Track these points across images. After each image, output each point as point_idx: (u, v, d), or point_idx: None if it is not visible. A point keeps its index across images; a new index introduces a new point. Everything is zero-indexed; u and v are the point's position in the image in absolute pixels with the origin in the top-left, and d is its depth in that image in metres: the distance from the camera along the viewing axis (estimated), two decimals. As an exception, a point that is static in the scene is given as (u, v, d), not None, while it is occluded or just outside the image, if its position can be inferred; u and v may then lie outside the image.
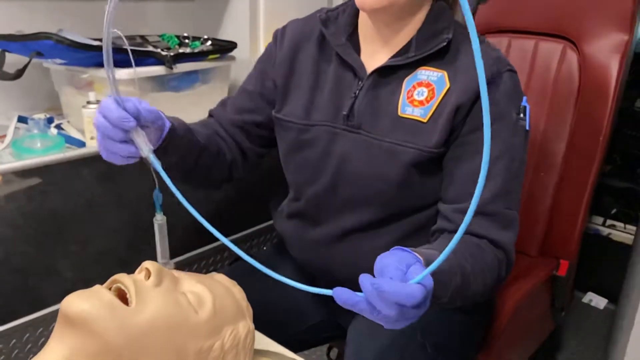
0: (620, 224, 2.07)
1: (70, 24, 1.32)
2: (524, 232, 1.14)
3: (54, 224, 1.15)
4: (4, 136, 1.21)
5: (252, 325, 0.67)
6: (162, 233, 0.76)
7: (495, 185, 0.81)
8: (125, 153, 0.71)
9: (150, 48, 1.38)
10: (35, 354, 0.56)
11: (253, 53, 1.64)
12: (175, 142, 0.81)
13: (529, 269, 1.26)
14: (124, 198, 1.23)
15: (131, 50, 1.28)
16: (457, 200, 0.84)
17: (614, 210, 2.10)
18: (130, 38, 1.47)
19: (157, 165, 0.70)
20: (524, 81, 1.33)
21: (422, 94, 0.84)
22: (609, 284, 2.03)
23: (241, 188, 1.51)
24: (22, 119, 1.27)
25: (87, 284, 0.58)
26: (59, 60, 1.23)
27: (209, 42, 1.50)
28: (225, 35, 1.67)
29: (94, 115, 1.16)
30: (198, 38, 1.52)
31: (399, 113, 0.85)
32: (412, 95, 0.85)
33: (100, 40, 1.23)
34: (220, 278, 0.69)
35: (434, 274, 0.56)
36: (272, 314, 0.98)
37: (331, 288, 0.59)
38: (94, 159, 1.17)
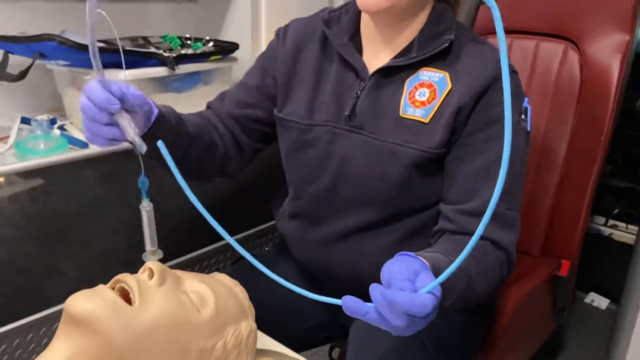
0: (622, 224, 2.07)
1: (73, 26, 1.32)
2: (526, 232, 1.14)
3: (57, 225, 1.15)
4: (7, 137, 1.21)
5: (254, 325, 0.67)
6: (149, 220, 0.75)
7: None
8: (109, 135, 0.70)
9: (153, 49, 1.39)
10: (38, 353, 0.56)
11: (255, 54, 1.64)
12: (164, 129, 0.80)
13: (531, 268, 1.26)
14: (127, 198, 1.23)
15: (133, 51, 1.29)
16: (459, 201, 0.84)
17: (616, 211, 2.10)
18: (132, 39, 1.47)
19: (142, 148, 0.70)
20: (525, 81, 1.33)
21: (424, 95, 0.84)
22: (611, 284, 2.03)
23: (243, 188, 1.51)
24: (25, 120, 1.27)
25: (90, 284, 0.58)
26: (62, 62, 1.24)
27: (211, 43, 1.50)
28: (227, 36, 1.67)
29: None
30: (200, 39, 1.52)
31: (401, 114, 0.85)
32: (413, 96, 0.85)
33: (104, 42, 1.23)
34: (222, 278, 0.69)
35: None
36: (273, 314, 0.98)
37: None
38: (97, 160, 1.17)
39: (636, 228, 2.02)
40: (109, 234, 1.24)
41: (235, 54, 1.51)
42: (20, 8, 1.36)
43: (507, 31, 1.38)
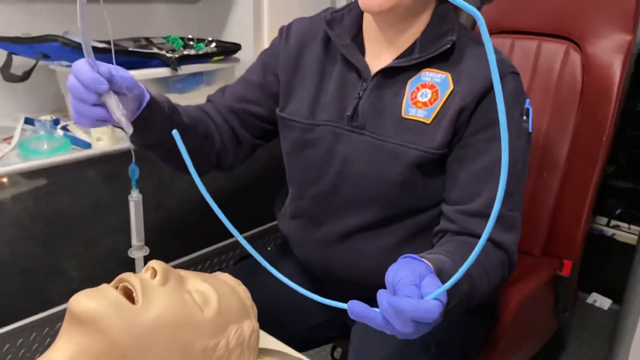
0: (624, 225, 2.07)
1: (76, 27, 1.33)
2: (527, 232, 1.14)
3: (60, 225, 1.16)
4: (11, 137, 1.22)
5: (256, 324, 0.68)
6: (137, 212, 0.72)
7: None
8: (96, 116, 0.69)
9: (155, 50, 1.39)
10: (42, 353, 0.56)
11: (257, 55, 1.65)
12: (156, 116, 0.79)
13: (532, 269, 1.26)
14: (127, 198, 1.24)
15: (136, 52, 1.30)
16: (460, 202, 0.84)
17: (618, 211, 2.10)
18: (135, 40, 1.48)
19: (129, 129, 0.69)
20: (527, 82, 1.33)
21: (426, 96, 0.85)
22: (614, 285, 2.03)
23: (246, 188, 1.51)
24: (28, 121, 1.28)
25: (92, 283, 0.59)
26: (65, 62, 1.24)
27: (213, 44, 1.51)
28: (229, 37, 1.68)
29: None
30: (202, 40, 1.53)
31: (403, 114, 0.86)
32: (415, 97, 0.85)
33: (107, 42, 1.24)
34: (224, 277, 0.70)
35: (444, 282, 0.56)
36: (275, 313, 0.98)
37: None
38: (100, 160, 1.18)
39: (638, 228, 2.02)
40: (112, 234, 1.24)
41: (238, 54, 1.52)
42: (24, 9, 1.37)
43: (509, 31, 1.39)
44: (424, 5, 0.85)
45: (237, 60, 1.52)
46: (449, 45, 0.84)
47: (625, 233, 2.06)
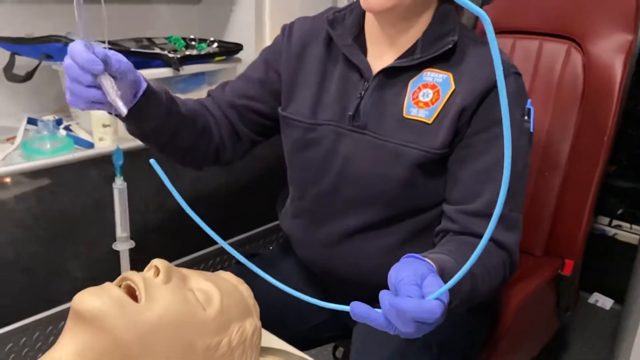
0: (626, 224, 2.07)
1: (79, 27, 1.34)
2: (529, 232, 1.14)
3: (63, 224, 1.16)
4: (14, 138, 1.22)
5: (259, 323, 0.68)
6: (122, 201, 0.71)
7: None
8: (91, 98, 0.69)
9: (157, 50, 1.40)
10: (45, 352, 0.57)
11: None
12: (153, 104, 0.79)
13: (534, 268, 1.26)
14: (131, 199, 1.24)
15: (138, 52, 1.30)
16: (462, 202, 0.84)
17: (620, 211, 2.10)
18: (137, 40, 1.48)
19: (123, 110, 0.69)
20: (529, 82, 1.33)
21: (427, 96, 0.85)
22: (615, 285, 2.03)
23: (249, 188, 1.52)
24: (31, 121, 1.28)
25: (95, 282, 0.59)
26: (67, 63, 1.25)
27: (215, 44, 1.51)
28: (231, 37, 1.68)
29: (102, 116, 1.18)
30: (204, 40, 1.53)
31: (404, 114, 0.86)
32: (417, 97, 0.85)
33: (108, 42, 1.24)
34: (227, 276, 0.70)
35: (447, 282, 0.57)
36: (277, 313, 0.99)
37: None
38: (103, 160, 1.18)
39: (640, 228, 2.02)
40: (114, 233, 1.24)
41: (240, 54, 1.52)
42: (27, 10, 1.38)
43: (510, 31, 1.39)
44: (425, 4, 0.85)
45: (238, 60, 1.52)
46: (450, 45, 0.84)
47: (627, 233, 2.06)
